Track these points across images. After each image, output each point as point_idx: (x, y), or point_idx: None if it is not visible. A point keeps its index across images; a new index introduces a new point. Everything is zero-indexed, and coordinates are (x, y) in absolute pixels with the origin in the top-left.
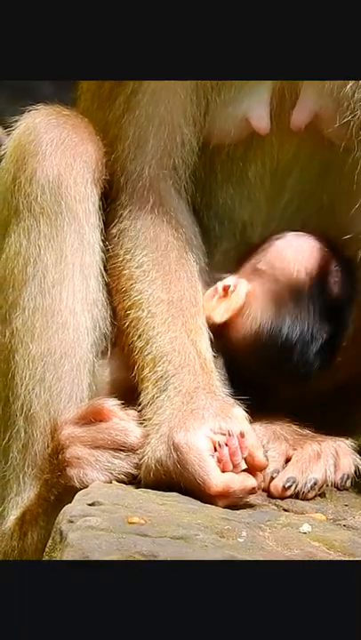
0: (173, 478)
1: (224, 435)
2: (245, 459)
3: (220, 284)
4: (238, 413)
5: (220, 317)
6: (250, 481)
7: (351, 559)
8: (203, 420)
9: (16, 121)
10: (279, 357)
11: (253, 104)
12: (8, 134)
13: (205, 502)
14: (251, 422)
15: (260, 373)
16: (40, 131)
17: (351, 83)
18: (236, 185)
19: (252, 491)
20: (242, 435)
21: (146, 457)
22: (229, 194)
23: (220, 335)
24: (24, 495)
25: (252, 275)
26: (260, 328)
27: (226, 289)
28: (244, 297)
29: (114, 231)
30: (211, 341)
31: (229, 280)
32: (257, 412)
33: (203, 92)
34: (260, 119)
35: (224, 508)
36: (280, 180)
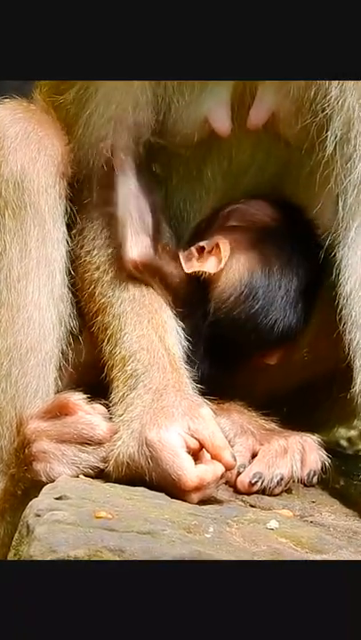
0: (145, 474)
1: (192, 436)
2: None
3: (193, 248)
4: (206, 413)
5: (213, 268)
6: (218, 467)
7: (319, 557)
8: (173, 417)
9: None
10: (266, 309)
11: (214, 105)
12: None
13: (178, 498)
14: (216, 415)
15: (244, 331)
16: (5, 125)
17: (314, 87)
18: (190, 186)
19: (223, 474)
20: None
21: (117, 452)
22: (182, 195)
23: (202, 295)
24: None
25: (225, 232)
26: (249, 278)
27: (200, 249)
28: (229, 250)
29: (74, 232)
30: (193, 302)
31: (202, 242)
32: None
33: (164, 92)
34: (220, 121)
35: (196, 503)
36: (234, 180)
